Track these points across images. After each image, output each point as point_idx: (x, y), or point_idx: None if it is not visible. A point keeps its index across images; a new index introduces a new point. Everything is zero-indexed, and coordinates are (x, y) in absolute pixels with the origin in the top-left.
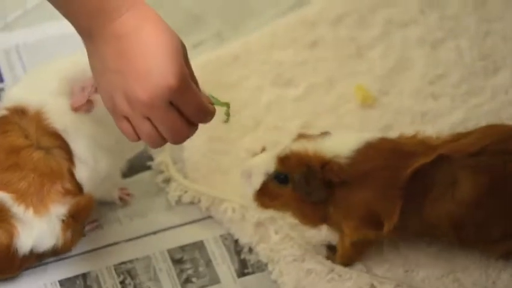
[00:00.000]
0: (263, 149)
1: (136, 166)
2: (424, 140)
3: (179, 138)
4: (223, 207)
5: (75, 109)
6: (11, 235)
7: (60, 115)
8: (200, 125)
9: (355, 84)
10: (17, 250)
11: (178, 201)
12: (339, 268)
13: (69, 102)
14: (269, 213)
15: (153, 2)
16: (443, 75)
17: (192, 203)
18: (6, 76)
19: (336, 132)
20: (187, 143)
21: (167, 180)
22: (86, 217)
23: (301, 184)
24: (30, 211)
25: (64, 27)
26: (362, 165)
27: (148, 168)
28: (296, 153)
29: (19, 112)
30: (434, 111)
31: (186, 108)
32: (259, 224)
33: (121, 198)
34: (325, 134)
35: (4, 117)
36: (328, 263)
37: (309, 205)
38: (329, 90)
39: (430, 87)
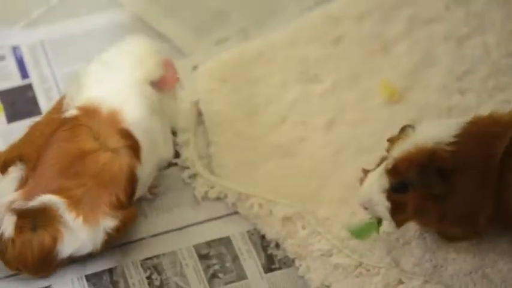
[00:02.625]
0: (365, 172)
1: None
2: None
3: None
4: (250, 203)
5: (172, 86)
6: (55, 239)
7: (135, 111)
8: (225, 121)
9: (380, 79)
10: (57, 254)
11: (205, 197)
12: (366, 263)
13: (159, 83)
14: (296, 208)
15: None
16: (469, 71)
17: (218, 198)
18: (31, 72)
19: (422, 124)
20: (215, 138)
21: (193, 176)
22: (128, 230)
23: (419, 181)
24: (80, 219)
25: (88, 23)
26: (465, 149)
27: (175, 164)
28: (401, 158)
29: (91, 112)
30: (461, 106)
31: None
32: (286, 219)
33: (151, 192)
34: (407, 128)
35: (75, 119)
36: (356, 257)
37: (436, 202)
38: (354, 86)
39: (457, 82)
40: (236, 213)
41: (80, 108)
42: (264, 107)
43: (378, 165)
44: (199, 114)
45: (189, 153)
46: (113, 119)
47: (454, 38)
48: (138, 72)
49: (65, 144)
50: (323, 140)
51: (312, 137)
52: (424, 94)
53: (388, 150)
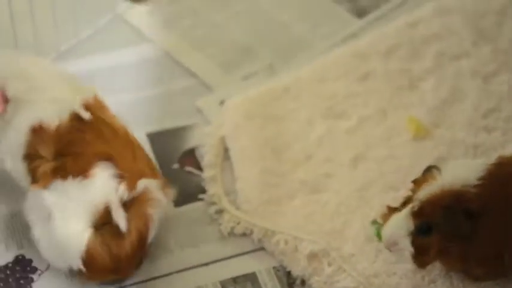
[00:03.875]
0: (389, 209)
1: (188, 196)
2: None
3: None
4: (276, 239)
5: None
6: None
7: None
8: (252, 157)
9: (407, 116)
10: (147, 240)
11: (231, 233)
12: None
13: None
14: (322, 244)
15: (205, 34)
16: (495, 108)
17: (244, 234)
18: None
19: (447, 165)
20: (241, 174)
21: (220, 212)
22: None
23: (445, 223)
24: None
25: (116, 57)
26: (490, 191)
27: (201, 199)
28: (427, 200)
29: None
30: (487, 144)
31: None
32: (312, 256)
33: None
34: (432, 169)
35: None
36: None
37: (461, 243)
38: (381, 122)
39: (483, 120)
40: (262, 249)
41: None
42: (291, 143)
43: (402, 205)
44: (226, 149)
45: (215, 189)
46: None
47: (481, 74)
48: None
49: None
50: (349, 177)
51: (338, 174)
52: (450, 131)
53: (412, 191)
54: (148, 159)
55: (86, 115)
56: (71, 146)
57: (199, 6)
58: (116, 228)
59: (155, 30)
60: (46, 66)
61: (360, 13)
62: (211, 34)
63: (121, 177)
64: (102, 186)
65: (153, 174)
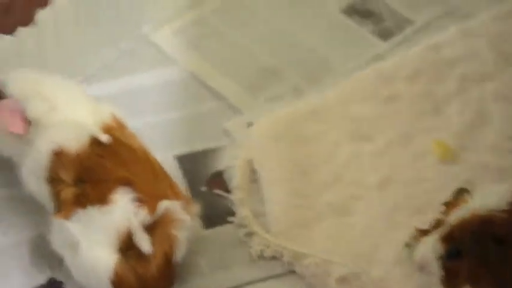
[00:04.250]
0: (418, 231)
1: (217, 218)
2: None
3: None
4: (306, 262)
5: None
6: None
7: None
8: (279, 180)
9: (432, 139)
10: (173, 260)
11: (261, 256)
12: None
13: None
14: (351, 268)
15: (231, 56)
16: None
17: (274, 257)
18: None
19: (477, 190)
20: (269, 196)
21: (249, 235)
22: None
23: (474, 249)
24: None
25: (142, 79)
26: None
27: (231, 222)
28: (456, 224)
29: None
30: None
31: None
32: (342, 280)
33: None
34: (463, 193)
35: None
36: None
37: (491, 270)
38: (406, 145)
39: (509, 142)
40: (292, 272)
41: None
42: (318, 165)
43: (433, 227)
44: (254, 171)
45: (244, 212)
46: None
47: (505, 96)
48: None
49: None
50: (377, 199)
51: (365, 196)
52: (476, 154)
53: (443, 214)
54: (170, 180)
55: (105, 139)
56: (91, 172)
57: (224, 28)
58: (141, 252)
59: (180, 51)
60: (68, 87)
61: (384, 35)
62: (237, 56)
63: (141, 201)
64: (122, 211)
65: (175, 195)
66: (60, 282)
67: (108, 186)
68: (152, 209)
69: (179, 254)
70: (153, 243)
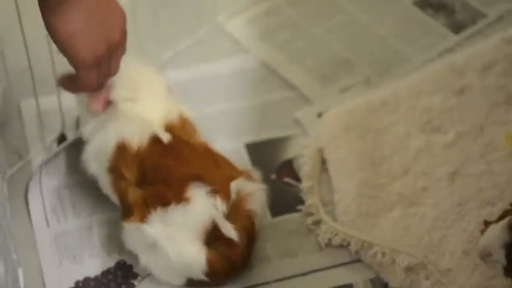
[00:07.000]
0: (486, 224)
1: (286, 206)
2: None
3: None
4: (373, 251)
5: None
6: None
7: None
8: (349, 169)
9: (503, 132)
10: (255, 233)
11: (328, 244)
12: None
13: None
14: (419, 258)
15: (304, 47)
16: None
17: (341, 245)
18: None
19: None
20: (339, 185)
21: (317, 223)
22: None
23: None
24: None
25: (213, 68)
26: None
27: (299, 210)
28: None
29: None
30: None
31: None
32: (409, 269)
33: None
34: None
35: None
36: None
37: None
38: (477, 138)
39: None
40: (359, 260)
41: None
42: (389, 156)
43: (500, 217)
44: (324, 161)
45: (313, 200)
46: None
47: None
48: None
49: None
50: (446, 191)
51: (435, 188)
52: None
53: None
54: (230, 163)
55: (165, 137)
56: (156, 172)
57: (298, 19)
58: (226, 237)
59: (253, 41)
60: (155, 81)
61: (457, 27)
62: (310, 46)
63: (215, 191)
64: (202, 206)
65: (238, 173)
66: (130, 266)
67: (180, 184)
68: (225, 195)
69: (259, 223)
70: (235, 225)
